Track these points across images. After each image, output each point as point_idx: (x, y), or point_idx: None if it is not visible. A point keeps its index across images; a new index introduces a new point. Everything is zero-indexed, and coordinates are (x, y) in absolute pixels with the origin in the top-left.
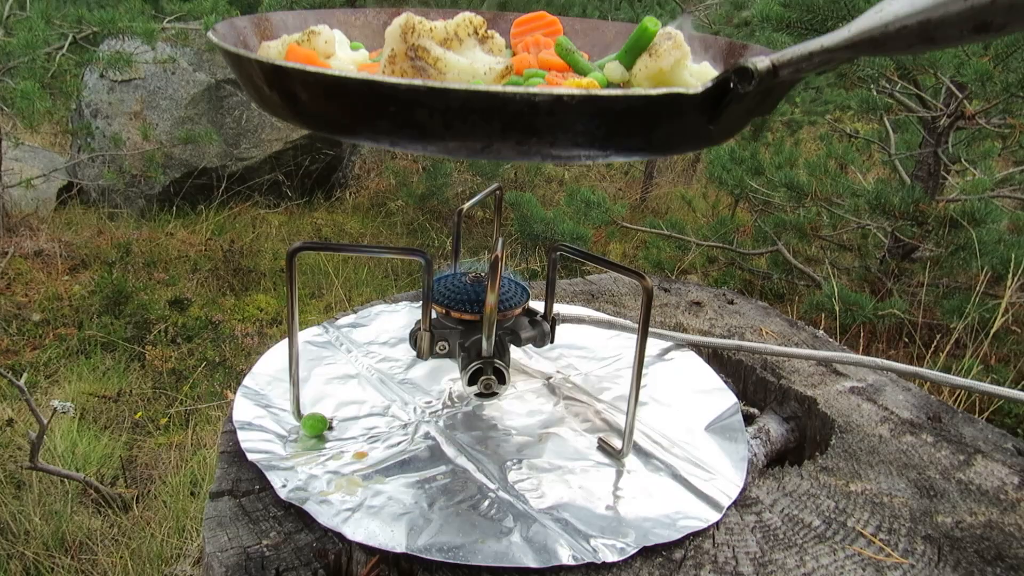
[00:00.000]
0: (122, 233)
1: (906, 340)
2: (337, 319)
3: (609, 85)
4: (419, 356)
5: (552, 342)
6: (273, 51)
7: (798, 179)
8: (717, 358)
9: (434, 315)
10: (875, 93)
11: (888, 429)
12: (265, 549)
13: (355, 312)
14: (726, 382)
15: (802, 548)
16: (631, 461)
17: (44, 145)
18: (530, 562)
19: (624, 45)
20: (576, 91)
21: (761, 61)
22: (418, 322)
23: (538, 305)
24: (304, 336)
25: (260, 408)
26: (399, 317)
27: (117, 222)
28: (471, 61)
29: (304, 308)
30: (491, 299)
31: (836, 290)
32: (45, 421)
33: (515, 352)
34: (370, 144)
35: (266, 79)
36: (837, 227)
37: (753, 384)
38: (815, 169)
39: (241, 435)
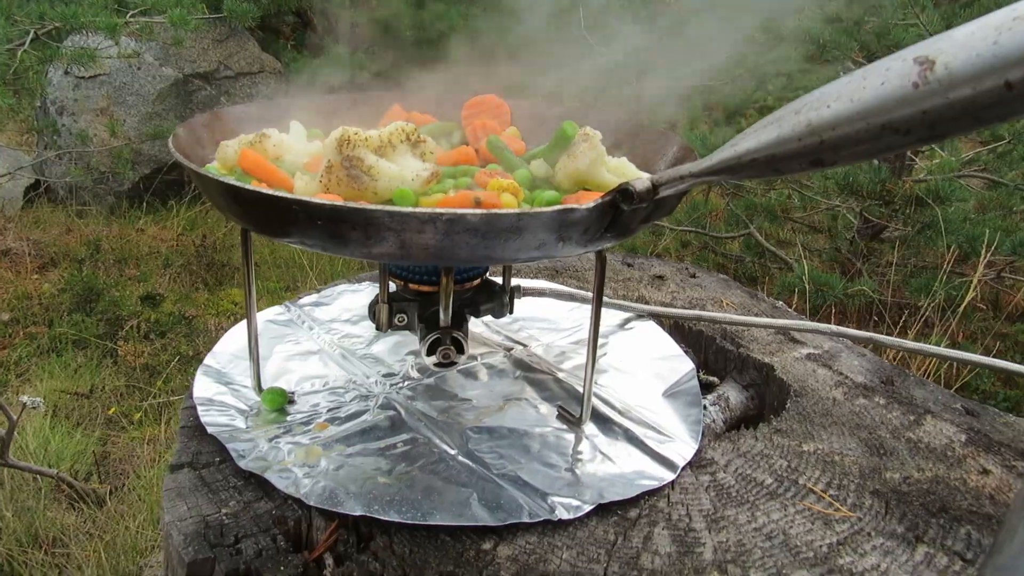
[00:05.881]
0: (91, 230)
1: (876, 319)
2: (300, 298)
3: (534, 180)
4: (378, 328)
5: (511, 313)
6: (230, 151)
7: None
8: (679, 329)
9: (393, 288)
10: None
11: (842, 392)
12: (224, 517)
13: (318, 292)
14: (685, 351)
15: (754, 504)
16: (589, 427)
17: (9, 144)
18: (487, 520)
19: (548, 144)
20: (476, 211)
21: (641, 183)
22: (377, 295)
23: (498, 278)
24: (266, 315)
25: (221, 385)
26: (362, 296)
27: (86, 219)
28: (401, 168)
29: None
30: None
31: (807, 271)
32: (15, 417)
33: (478, 325)
34: (304, 248)
35: (219, 191)
36: (808, 209)
37: (714, 353)
38: None
39: (201, 410)
